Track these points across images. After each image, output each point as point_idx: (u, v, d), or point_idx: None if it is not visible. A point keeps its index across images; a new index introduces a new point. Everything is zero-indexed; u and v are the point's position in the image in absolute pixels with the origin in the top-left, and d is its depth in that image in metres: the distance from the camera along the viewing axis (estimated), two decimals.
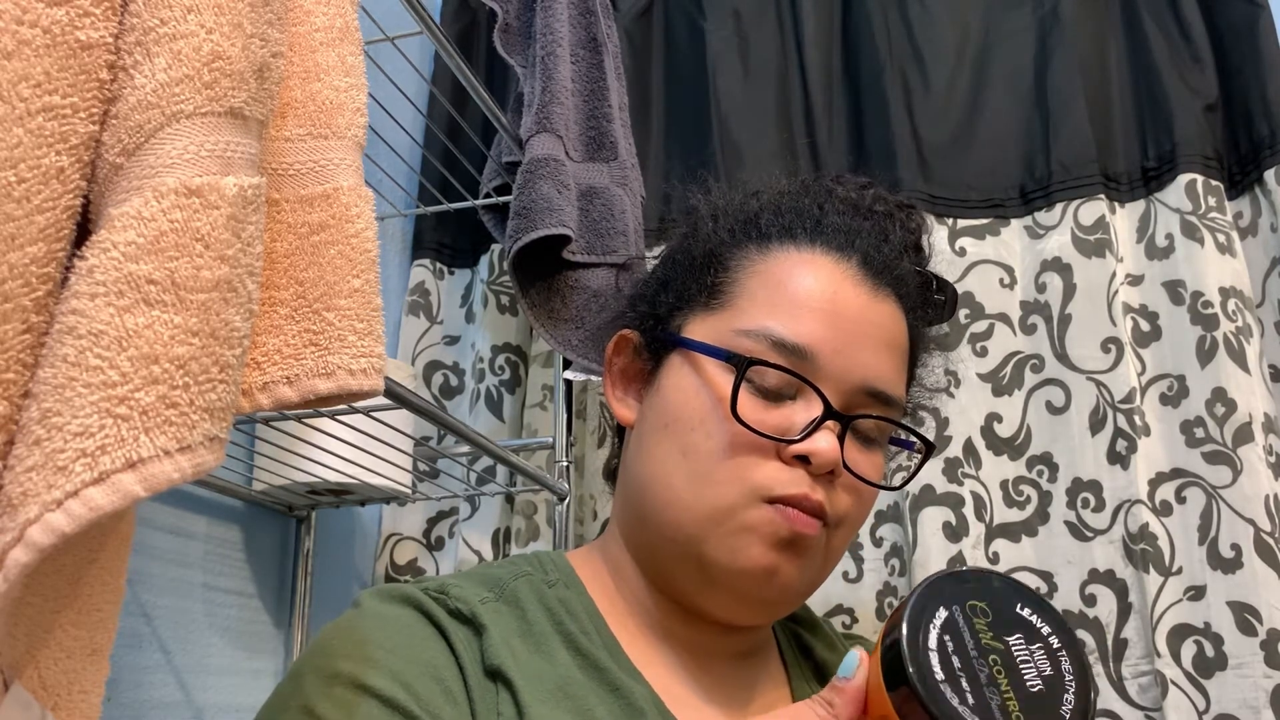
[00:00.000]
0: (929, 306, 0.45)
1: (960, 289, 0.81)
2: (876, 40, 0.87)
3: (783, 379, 0.38)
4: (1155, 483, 0.74)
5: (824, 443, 0.37)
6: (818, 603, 0.77)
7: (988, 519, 0.76)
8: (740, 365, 0.37)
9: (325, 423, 0.63)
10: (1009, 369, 0.80)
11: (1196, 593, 0.70)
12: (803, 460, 0.37)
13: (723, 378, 0.38)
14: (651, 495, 0.40)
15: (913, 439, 0.43)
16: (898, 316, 0.41)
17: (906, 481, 0.44)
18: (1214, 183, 0.78)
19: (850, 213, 0.44)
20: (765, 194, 0.45)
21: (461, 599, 0.37)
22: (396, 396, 0.55)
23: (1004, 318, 0.81)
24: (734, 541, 0.37)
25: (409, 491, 0.73)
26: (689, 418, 0.39)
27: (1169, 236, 0.79)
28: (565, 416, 0.81)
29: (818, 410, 0.37)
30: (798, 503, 0.37)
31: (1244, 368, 0.73)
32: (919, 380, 0.46)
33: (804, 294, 0.39)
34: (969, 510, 0.76)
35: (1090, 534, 0.74)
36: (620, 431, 0.46)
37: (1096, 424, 0.75)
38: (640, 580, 0.41)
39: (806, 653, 0.45)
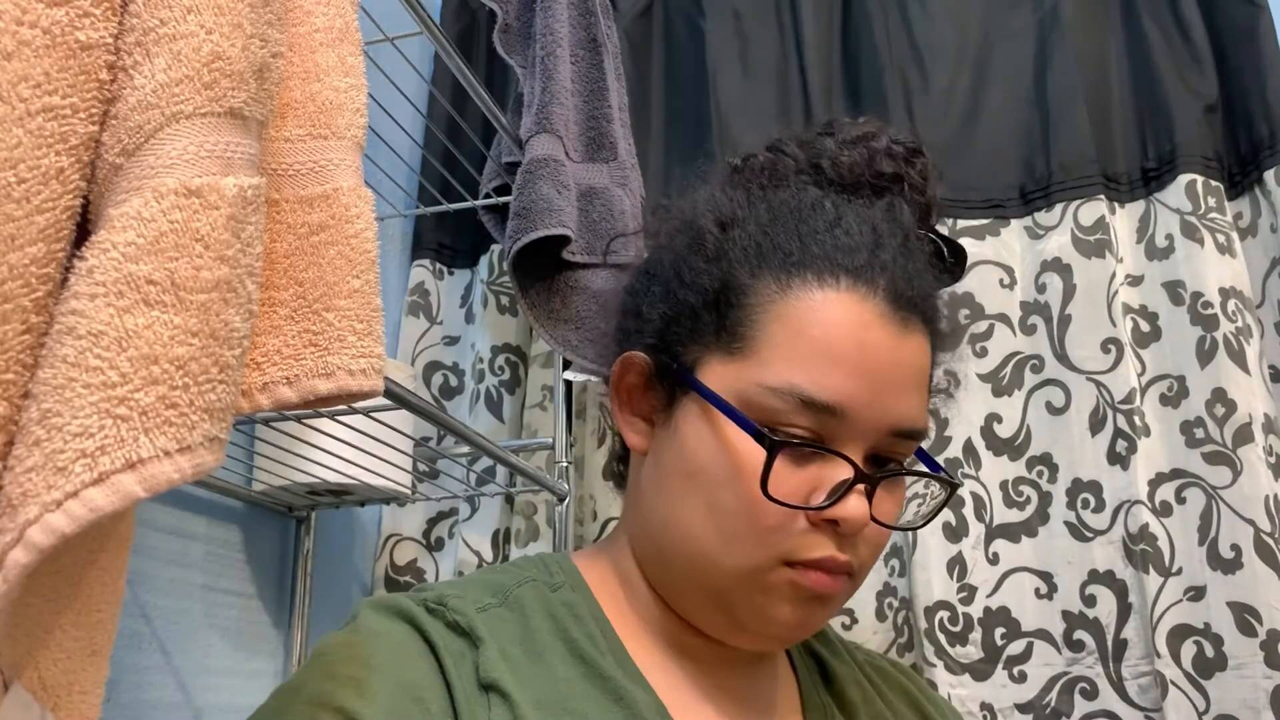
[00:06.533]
0: (941, 274, 0.43)
1: (960, 289, 0.81)
2: (876, 40, 0.87)
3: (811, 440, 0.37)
4: (1155, 483, 0.74)
5: (853, 506, 0.36)
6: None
7: (987, 519, 0.76)
8: (771, 449, 0.36)
9: (325, 423, 0.63)
10: (1009, 369, 0.80)
11: (1196, 593, 0.70)
12: (831, 522, 0.37)
13: (751, 446, 0.37)
14: (675, 541, 0.39)
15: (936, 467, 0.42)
16: (924, 346, 0.40)
17: (928, 520, 0.43)
18: (1214, 183, 0.78)
19: (860, 190, 0.41)
20: (774, 201, 0.41)
21: (460, 610, 0.37)
22: (396, 397, 0.55)
23: (1004, 318, 0.81)
24: (761, 599, 0.37)
25: (409, 492, 0.73)
26: (715, 475, 0.38)
27: (1169, 237, 0.79)
28: (565, 417, 0.81)
29: (846, 471, 0.37)
30: (823, 565, 0.37)
31: (1244, 368, 0.73)
32: (936, 383, 0.44)
33: (831, 341, 0.37)
34: (969, 510, 0.76)
35: (1090, 534, 0.74)
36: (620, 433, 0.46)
37: (1096, 424, 0.75)
38: (651, 596, 0.41)
39: (816, 659, 0.45)
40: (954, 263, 0.44)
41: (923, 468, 0.43)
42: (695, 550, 0.38)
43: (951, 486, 0.42)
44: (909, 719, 0.44)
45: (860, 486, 0.37)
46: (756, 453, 0.36)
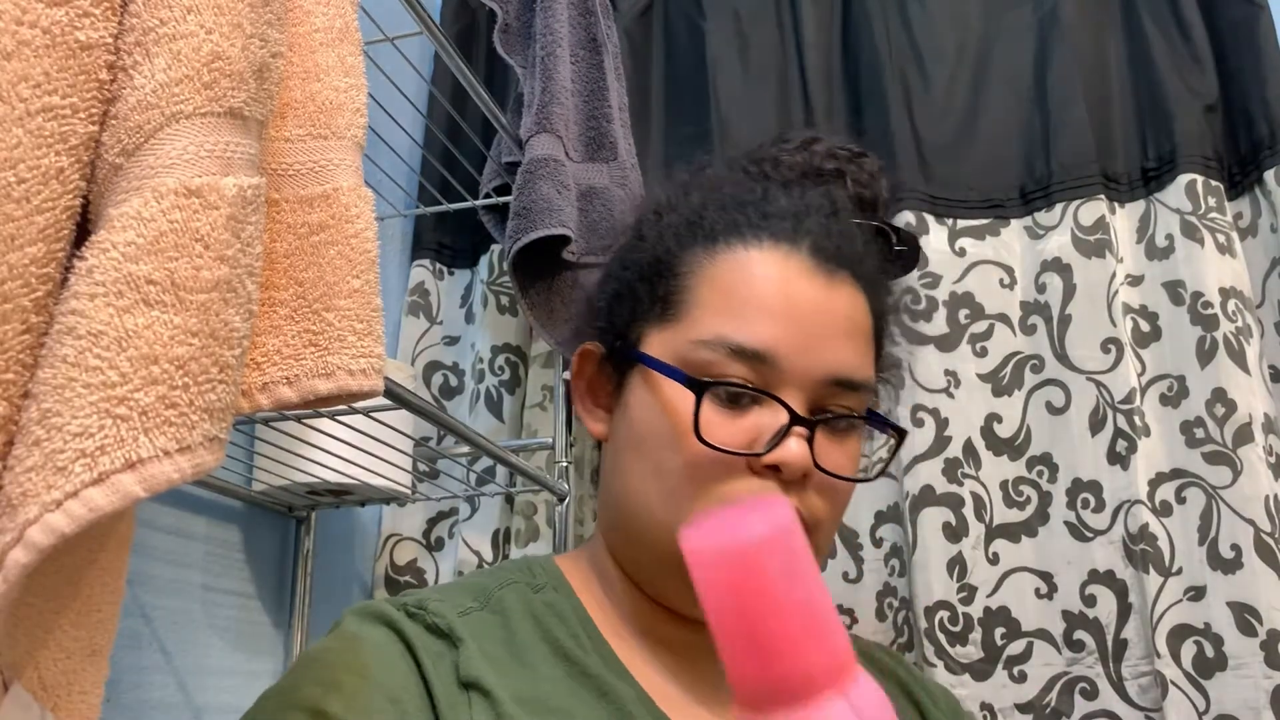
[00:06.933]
0: (891, 261, 0.44)
1: (960, 289, 0.81)
2: (876, 40, 0.87)
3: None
4: (1155, 483, 0.74)
5: (793, 449, 0.37)
6: None
7: (988, 519, 0.76)
8: (697, 390, 0.37)
9: (325, 423, 0.63)
10: (1009, 369, 0.80)
11: (1196, 593, 0.70)
12: (774, 469, 0.37)
13: (685, 396, 0.38)
14: (631, 513, 0.40)
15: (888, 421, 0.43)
16: (856, 298, 0.40)
17: (881, 472, 0.43)
18: (1214, 183, 0.78)
19: (797, 183, 0.43)
20: (707, 185, 0.44)
21: (439, 613, 0.38)
22: (396, 397, 0.55)
23: (1004, 318, 0.81)
24: None
25: (409, 492, 0.73)
26: (657, 436, 0.38)
27: (1169, 237, 0.79)
28: (565, 417, 0.81)
29: (785, 418, 0.37)
30: None
31: (1244, 368, 0.73)
32: (887, 354, 0.45)
33: (756, 294, 0.38)
34: (969, 510, 0.76)
35: (1090, 534, 0.74)
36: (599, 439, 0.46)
37: (1096, 424, 0.75)
38: (628, 586, 0.42)
39: None
40: (905, 250, 0.45)
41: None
42: (647, 516, 0.38)
43: (899, 433, 0.42)
44: (901, 704, 0.44)
45: (799, 430, 0.37)
46: (690, 405, 0.37)
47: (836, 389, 0.38)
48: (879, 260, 0.43)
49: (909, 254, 0.45)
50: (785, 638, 0.21)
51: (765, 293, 0.38)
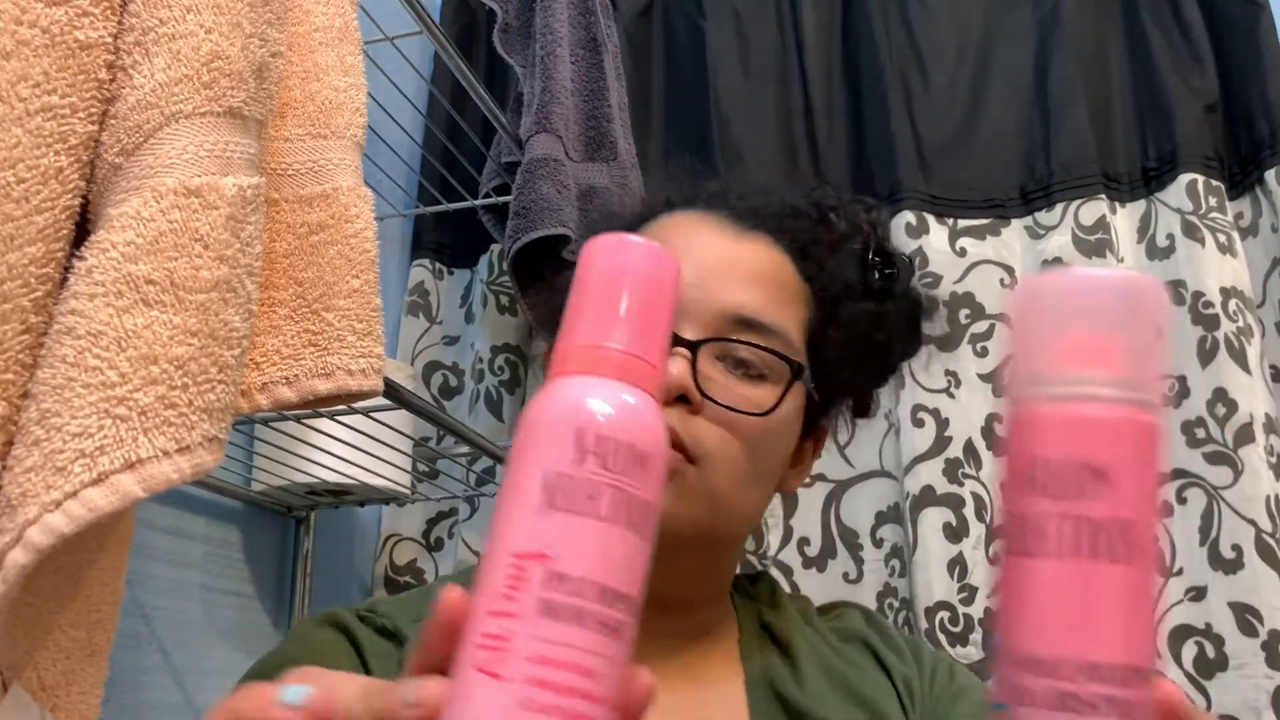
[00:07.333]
0: (868, 273, 0.44)
1: (960, 289, 0.81)
2: (876, 40, 0.87)
3: None
4: None
5: (671, 369, 0.37)
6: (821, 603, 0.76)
7: (988, 519, 0.76)
8: None
9: (324, 423, 0.63)
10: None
11: (1197, 593, 0.70)
12: None
13: None
14: None
15: (794, 368, 0.41)
16: (773, 254, 0.41)
17: (773, 408, 0.41)
18: (1214, 183, 0.78)
19: (761, 196, 0.45)
20: (653, 186, 0.47)
21: (388, 615, 0.39)
22: (396, 397, 0.55)
23: (1004, 318, 0.81)
24: None
25: (408, 492, 0.73)
26: None
27: (1170, 237, 0.78)
28: None
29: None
30: None
31: (1245, 368, 0.73)
32: (856, 356, 0.44)
33: (662, 240, 0.41)
34: (969, 511, 0.76)
35: None
36: None
37: None
38: None
39: (767, 629, 0.45)
40: (889, 271, 0.45)
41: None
42: None
43: (796, 368, 0.40)
44: (868, 669, 0.43)
45: (680, 351, 0.37)
46: None
47: (739, 328, 0.39)
48: (821, 235, 0.43)
49: (890, 275, 0.45)
50: (612, 311, 0.23)
51: (671, 237, 0.41)
